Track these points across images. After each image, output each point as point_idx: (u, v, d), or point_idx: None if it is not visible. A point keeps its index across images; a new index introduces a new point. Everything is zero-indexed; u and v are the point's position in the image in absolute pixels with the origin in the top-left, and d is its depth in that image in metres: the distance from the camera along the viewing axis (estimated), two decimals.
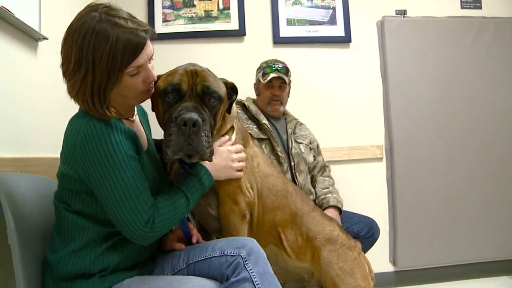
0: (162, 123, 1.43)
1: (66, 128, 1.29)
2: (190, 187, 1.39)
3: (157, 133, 1.69)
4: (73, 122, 1.28)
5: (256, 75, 2.65)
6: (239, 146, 1.58)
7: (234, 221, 1.58)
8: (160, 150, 1.65)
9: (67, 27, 1.25)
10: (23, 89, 1.69)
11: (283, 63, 2.59)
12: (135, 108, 1.51)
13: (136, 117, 1.49)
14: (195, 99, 1.40)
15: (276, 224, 1.69)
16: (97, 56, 1.19)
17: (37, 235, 1.39)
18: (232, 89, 1.60)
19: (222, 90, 1.49)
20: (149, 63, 1.34)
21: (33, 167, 1.63)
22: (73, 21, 1.24)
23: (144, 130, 1.55)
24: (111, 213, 1.24)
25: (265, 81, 2.50)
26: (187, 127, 1.31)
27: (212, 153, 1.40)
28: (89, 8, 1.24)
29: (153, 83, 1.41)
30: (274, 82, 2.52)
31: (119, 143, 1.23)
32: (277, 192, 1.72)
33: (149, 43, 1.30)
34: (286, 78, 2.52)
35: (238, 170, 1.56)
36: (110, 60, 1.20)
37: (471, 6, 3.48)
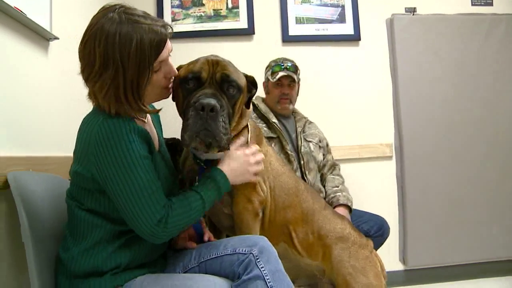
0: (181, 111, 1.45)
1: (80, 127, 1.30)
2: (207, 190, 1.37)
3: (168, 132, 1.70)
4: (87, 121, 1.28)
5: (265, 74, 2.64)
6: (255, 148, 1.54)
7: (248, 219, 1.57)
8: (170, 149, 1.66)
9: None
10: (35, 89, 1.71)
11: (292, 61, 2.58)
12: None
13: (148, 117, 1.49)
14: (214, 87, 1.41)
15: (287, 222, 1.69)
16: (125, 55, 1.20)
17: (49, 232, 1.40)
18: (252, 83, 1.61)
19: (242, 81, 1.50)
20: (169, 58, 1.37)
21: (45, 166, 1.64)
22: (90, 25, 1.24)
23: (156, 130, 1.55)
24: (123, 211, 1.24)
25: (274, 79, 2.50)
26: (204, 112, 1.32)
27: (229, 141, 1.41)
28: (105, 10, 1.25)
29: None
30: (283, 81, 2.52)
31: (132, 143, 1.23)
32: (288, 191, 1.72)
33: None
34: (295, 77, 2.51)
35: (255, 173, 1.53)
36: (139, 57, 1.21)
37: (482, 3, 3.45)
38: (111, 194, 1.24)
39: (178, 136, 2.77)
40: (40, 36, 1.78)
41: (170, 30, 1.33)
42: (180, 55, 3.16)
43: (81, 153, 1.27)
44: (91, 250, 1.30)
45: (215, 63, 1.44)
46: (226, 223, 1.68)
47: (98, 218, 1.31)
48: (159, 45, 1.26)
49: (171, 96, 1.49)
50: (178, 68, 1.49)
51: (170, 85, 1.41)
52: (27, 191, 1.36)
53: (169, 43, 1.32)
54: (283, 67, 2.51)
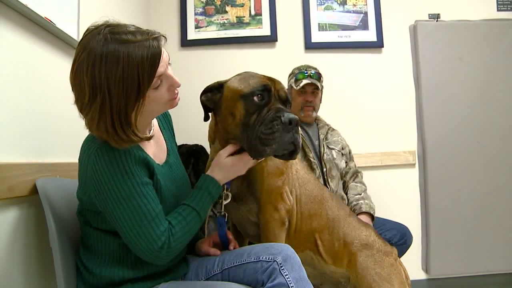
0: (241, 126, 1.42)
1: (80, 150, 1.28)
2: (201, 203, 1.35)
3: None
4: (85, 147, 1.26)
5: (288, 81, 2.65)
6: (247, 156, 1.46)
7: (274, 228, 1.58)
8: (193, 155, 1.67)
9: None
10: (63, 97, 1.73)
11: (315, 68, 2.59)
12: (153, 121, 1.45)
13: (153, 131, 1.42)
14: (279, 103, 1.45)
15: (313, 230, 1.69)
16: (111, 80, 1.13)
17: (76, 238, 1.42)
18: None
19: None
20: (168, 70, 1.27)
21: (72, 172, 1.65)
22: (77, 52, 1.18)
23: (165, 138, 1.52)
24: (126, 239, 1.23)
25: (298, 87, 2.50)
26: (292, 125, 1.36)
27: None
28: (92, 33, 1.18)
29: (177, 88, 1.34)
30: (307, 88, 2.52)
31: (128, 171, 1.20)
32: (314, 198, 1.72)
33: (163, 49, 1.24)
34: (318, 84, 2.51)
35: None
36: (125, 81, 1.14)
37: (508, 8, 3.40)
38: (113, 222, 1.23)
39: (200, 142, 2.79)
40: (68, 45, 1.81)
41: (163, 41, 1.24)
42: (203, 62, 3.18)
43: (81, 179, 1.26)
44: (105, 264, 1.30)
45: (272, 80, 1.47)
46: (252, 231, 1.69)
47: (107, 235, 1.30)
48: (154, 61, 1.18)
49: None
50: (219, 84, 1.51)
51: (175, 96, 1.33)
52: (55, 197, 1.38)
53: (165, 54, 1.23)
54: (306, 74, 2.51)
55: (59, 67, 1.73)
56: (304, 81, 2.49)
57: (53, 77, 1.67)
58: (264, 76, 1.47)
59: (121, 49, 1.14)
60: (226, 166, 1.44)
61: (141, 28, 1.23)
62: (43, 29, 1.59)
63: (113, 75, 1.13)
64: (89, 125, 1.20)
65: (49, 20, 1.55)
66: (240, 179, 1.55)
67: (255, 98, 1.41)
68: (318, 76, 2.55)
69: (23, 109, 1.44)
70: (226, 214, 1.54)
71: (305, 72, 2.53)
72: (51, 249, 1.31)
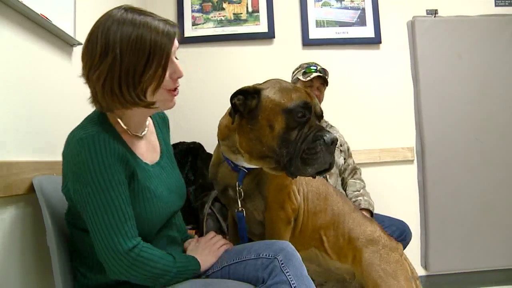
0: (279, 140, 1.37)
1: (64, 144, 1.24)
2: (182, 264, 1.29)
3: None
4: (69, 137, 1.22)
5: (293, 75, 2.64)
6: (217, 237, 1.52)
7: (280, 227, 1.57)
8: (191, 153, 1.65)
9: None
10: (59, 94, 1.72)
11: (322, 67, 2.59)
12: (148, 121, 1.42)
13: (151, 126, 1.42)
14: (316, 120, 1.42)
15: (318, 227, 1.68)
16: (124, 41, 1.14)
17: None
18: None
19: None
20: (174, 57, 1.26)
21: None
22: (93, 26, 1.20)
23: (159, 140, 1.49)
24: (94, 235, 1.15)
25: (307, 79, 2.49)
26: (333, 146, 1.34)
27: None
28: (109, 11, 1.21)
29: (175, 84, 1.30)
30: (315, 82, 2.52)
31: (107, 165, 1.15)
32: (320, 195, 1.71)
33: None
34: (327, 78, 2.52)
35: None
36: (139, 44, 1.15)
37: (506, 3, 3.39)
38: (85, 215, 1.17)
39: (198, 139, 2.78)
40: (64, 42, 1.79)
41: (176, 29, 1.24)
42: (200, 59, 3.16)
43: (63, 171, 1.22)
44: (96, 268, 1.26)
45: (309, 95, 1.43)
46: (256, 230, 1.68)
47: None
48: (169, 35, 1.20)
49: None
50: (256, 90, 1.43)
51: (175, 88, 1.30)
52: (52, 195, 1.37)
53: (175, 41, 1.24)
54: (316, 69, 2.51)
55: (55, 64, 1.72)
56: (314, 74, 2.50)
57: (49, 74, 1.66)
58: (303, 90, 1.43)
59: (139, 17, 1.18)
60: (198, 250, 1.44)
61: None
62: (39, 26, 1.57)
63: (127, 37, 1.15)
64: (94, 89, 1.20)
65: (45, 17, 1.54)
66: (250, 177, 1.55)
67: (298, 115, 1.37)
68: (325, 73, 2.55)
69: (19, 107, 1.42)
70: (243, 210, 1.55)
71: (315, 67, 2.53)
72: (48, 248, 1.29)
